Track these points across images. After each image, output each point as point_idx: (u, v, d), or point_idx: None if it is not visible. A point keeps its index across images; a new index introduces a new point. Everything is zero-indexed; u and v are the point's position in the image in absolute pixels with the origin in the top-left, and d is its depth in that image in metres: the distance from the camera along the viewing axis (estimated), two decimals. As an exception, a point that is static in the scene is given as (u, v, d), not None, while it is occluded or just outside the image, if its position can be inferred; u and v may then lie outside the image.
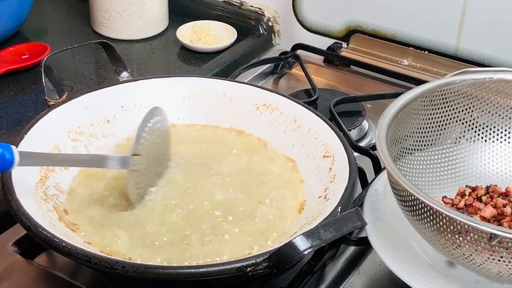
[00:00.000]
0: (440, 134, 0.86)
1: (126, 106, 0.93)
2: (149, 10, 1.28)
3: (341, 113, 1.02)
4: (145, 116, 0.82)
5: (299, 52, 1.22)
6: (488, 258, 0.68)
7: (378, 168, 0.92)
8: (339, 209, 0.75)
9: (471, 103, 0.86)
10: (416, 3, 1.14)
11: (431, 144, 0.86)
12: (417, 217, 0.72)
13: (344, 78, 1.20)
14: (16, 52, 1.20)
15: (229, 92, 0.95)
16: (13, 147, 0.74)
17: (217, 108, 0.95)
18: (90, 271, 0.79)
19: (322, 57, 1.23)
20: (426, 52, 1.16)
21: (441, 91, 0.84)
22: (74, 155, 0.87)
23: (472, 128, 0.87)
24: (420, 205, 0.70)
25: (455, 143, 0.87)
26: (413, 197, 0.70)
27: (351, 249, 0.84)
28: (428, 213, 0.70)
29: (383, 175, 0.85)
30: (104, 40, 0.97)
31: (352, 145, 0.91)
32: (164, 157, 0.88)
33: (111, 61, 0.97)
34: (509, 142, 0.87)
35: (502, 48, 1.09)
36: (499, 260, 0.68)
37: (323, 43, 1.24)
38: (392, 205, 0.79)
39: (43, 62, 0.93)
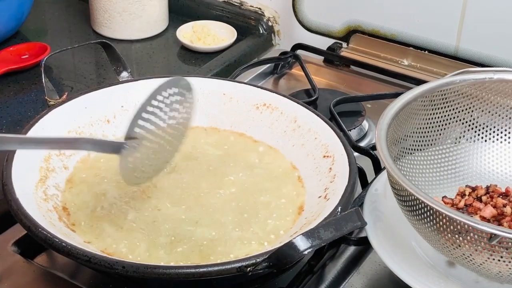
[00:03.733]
0: (440, 134, 0.86)
1: (126, 106, 0.93)
2: (149, 10, 1.28)
3: (341, 113, 1.02)
4: (157, 86, 0.71)
5: (299, 52, 1.22)
6: (488, 258, 0.68)
7: (378, 168, 0.92)
8: (339, 209, 0.75)
9: (471, 103, 0.86)
10: (416, 3, 1.14)
11: (431, 144, 0.86)
12: (417, 217, 0.72)
13: (344, 78, 1.20)
14: (16, 52, 1.20)
15: (229, 92, 0.95)
16: None
17: (217, 108, 0.95)
18: (90, 271, 0.79)
19: (322, 57, 1.23)
20: (426, 52, 1.16)
21: (441, 91, 0.84)
22: (48, 137, 0.79)
23: (472, 128, 0.87)
24: (420, 205, 0.70)
25: (455, 143, 0.87)
26: (413, 197, 0.70)
27: (351, 249, 0.84)
28: (428, 213, 0.70)
29: (383, 175, 0.85)
30: (104, 40, 0.97)
31: (352, 145, 0.91)
32: (176, 140, 0.76)
33: (111, 61, 0.97)
34: (509, 142, 0.87)
35: (502, 48, 1.09)
36: (499, 260, 0.68)
37: (323, 43, 1.24)
38: (392, 205, 0.79)
39: (43, 62, 0.93)
